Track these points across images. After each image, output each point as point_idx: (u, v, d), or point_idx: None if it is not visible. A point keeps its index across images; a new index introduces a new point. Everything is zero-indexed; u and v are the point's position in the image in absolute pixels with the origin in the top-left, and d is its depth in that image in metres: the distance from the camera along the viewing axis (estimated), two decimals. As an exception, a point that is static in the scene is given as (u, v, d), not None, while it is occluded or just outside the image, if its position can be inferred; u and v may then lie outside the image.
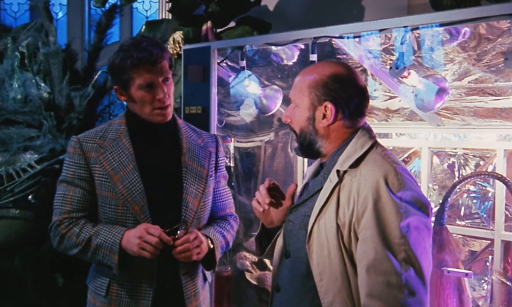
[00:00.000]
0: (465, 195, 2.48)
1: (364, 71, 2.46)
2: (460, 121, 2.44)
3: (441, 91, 2.04)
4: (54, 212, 1.90)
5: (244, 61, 2.55)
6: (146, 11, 4.99)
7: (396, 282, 1.35)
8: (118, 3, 3.99)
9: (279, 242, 1.67)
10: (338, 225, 1.46)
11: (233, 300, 2.97)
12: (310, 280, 1.50)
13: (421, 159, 2.57)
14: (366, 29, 2.13)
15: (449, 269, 2.20)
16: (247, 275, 3.06)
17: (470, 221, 2.46)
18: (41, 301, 3.39)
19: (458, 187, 2.36)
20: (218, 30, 3.61)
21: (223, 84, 2.76)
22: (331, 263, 1.46)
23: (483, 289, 2.38)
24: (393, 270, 1.36)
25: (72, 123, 3.60)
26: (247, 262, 3.07)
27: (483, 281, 2.39)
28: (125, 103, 1.96)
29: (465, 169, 2.51)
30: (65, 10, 5.07)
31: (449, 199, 2.32)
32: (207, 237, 1.89)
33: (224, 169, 2.12)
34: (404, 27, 2.01)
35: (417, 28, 2.02)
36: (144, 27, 3.79)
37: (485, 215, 2.41)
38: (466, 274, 2.19)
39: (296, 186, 1.72)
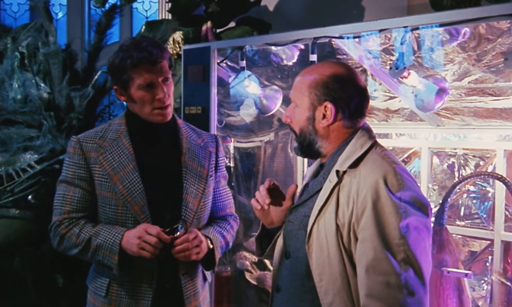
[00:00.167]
0: (465, 195, 2.48)
1: (364, 71, 2.46)
2: (460, 121, 2.44)
3: (441, 91, 2.04)
4: (54, 212, 1.90)
5: (244, 61, 2.55)
6: (146, 11, 4.99)
7: (395, 282, 1.35)
8: (118, 3, 3.99)
9: (279, 242, 1.67)
10: (337, 226, 1.46)
11: (233, 300, 2.97)
12: (310, 281, 1.51)
13: (421, 159, 2.57)
14: (366, 29, 2.13)
15: (449, 269, 2.20)
16: (247, 275, 3.06)
17: (470, 221, 2.46)
18: (41, 301, 3.39)
19: (458, 187, 2.36)
20: (218, 30, 3.61)
21: (223, 84, 2.76)
22: (330, 264, 1.46)
23: (483, 290, 2.38)
24: (392, 270, 1.36)
25: (72, 123, 3.60)
26: (247, 262, 3.07)
27: (483, 281, 2.39)
28: (125, 103, 1.96)
29: (465, 169, 2.51)
30: (65, 10, 5.07)
31: (449, 200, 2.32)
32: (206, 237, 1.90)
33: (224, 169, 2.12)
34: (404, 27, 2.01)
35: (417, 28, 2.02)
36: (144, 27, 3.79)
37: (485, 215, 2.41)
38: (466, 275, 2.19)
39: (297, 186, 1.72)
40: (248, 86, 2.58)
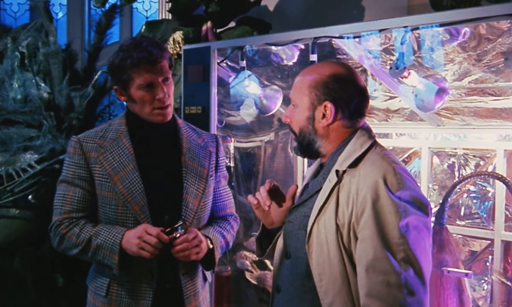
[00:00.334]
0: (465, 195, 2.48)
1: (364, 71, 2.46)
2: (460, 121, 2.44)
3: (441, 91, 2.04)
4: (54, 212, 1.90)
5: (244, 61, 2.55)
6: (146, 11, 4.99)
7: (395, 281, 1.35)
8: (118, 3, 3.98)
9: (280, 242, 1.67)
10: (337, 225, 1.46)
11: (233, 300, 2.97)
12: (310, 281, 1.50)
13: (421, 159, 2.57)
14: (366, 29, 2.13)
15: (449, 269, 2.20)
16: (247, 275, 3.06)
17: (470, 221, 2.46)
18: (41, 301, 3.39)
19: (458, 187, 2.36)
20: (218, 30, 3.61)
21: (223, 84, 2.76)
22: (330, 264, 1.46)
23: (483, 289, 2.38)
24: (392, 270, 1.36)
25: (72, 123, 3.60)
26: (247, 262, 3.07)
27: (483, 281, 2.39)
28: (125, 103, 1.96)
29: (465, 169, 2.51)
30: (65, 10, 5.07)
31: (449, 199, 2.32)
32: (206, 237, 1.89)
33: (225, 169, 2.12)
34: (404, 27, 2.01)
35: (417, 28, 2.02)
36: (144, 27, 3.79)
37: (485, 215, 2.42)
38: (466, 274, 2.19)
39: (297, 187, 1.72)
40: (248, 86, 2.58)
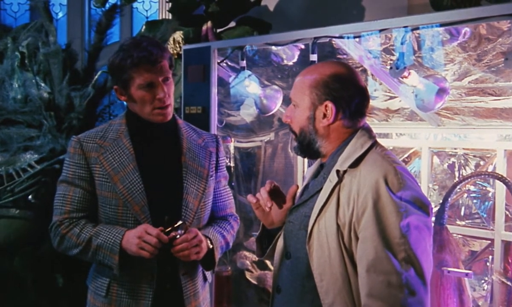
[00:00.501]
0: (465, 195, 2.48)
1: (364, 71, 2.46)
2: (460, 121, 2.44)
3: (441, 91, 2.04)
4: (54, 212, 1.90)
5: (244, 61, 2.55)
6: (146, 11, 4.99)
7: (396, 281, 1.35)
8: (118, 3, 3.98)
9: (280, 243, 1.67)
10: (338, 225, 1.46)
11: (233, 300, 2.97)
12: (311, 281, 1.50)
13: (421, 159, 2.57)
14: (366, 29, 2.13)
15: (449, 269, 2.20)
16: (247, 275, 3.06)
17: (470, 221, 2.46)
18: (41, 301, 3.39)
19: (458, 187, 2.36)
20: (218, 30, 3.61)
21: (223, 84, 2.76)
22: (331, 264, 1.46)
23: (483, 289, 2.38)
24: (393, 270, 1.36)
25: (72, 123, 3.60)
26: (247, 262, 3.07)
27: (483, 281, 2.39)
28: (125, 103, 1.96)
29: (465, 169, 2.51)
30: (65, 10, 5.07)
31: (449, 199, 2.32)
32: (206, 237, 1.89)
33: (225, 169, 2.12)
34: (404, 27, 2.01)
35: (417, 28, 2.02)
36: (144, 27, 3.79)
37: (485, 215, 2.42)
38: (466, 274, 2.19)
39: (297, 187, 1.72)
40: (249, 86, 2.58)
